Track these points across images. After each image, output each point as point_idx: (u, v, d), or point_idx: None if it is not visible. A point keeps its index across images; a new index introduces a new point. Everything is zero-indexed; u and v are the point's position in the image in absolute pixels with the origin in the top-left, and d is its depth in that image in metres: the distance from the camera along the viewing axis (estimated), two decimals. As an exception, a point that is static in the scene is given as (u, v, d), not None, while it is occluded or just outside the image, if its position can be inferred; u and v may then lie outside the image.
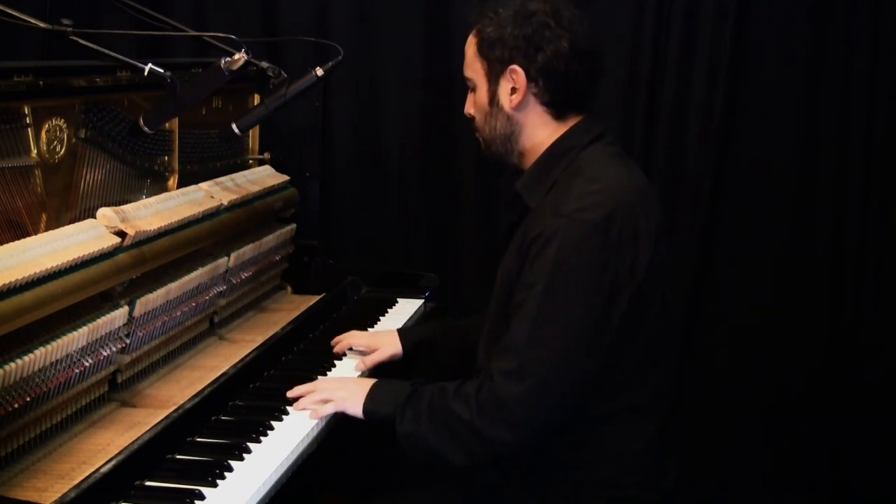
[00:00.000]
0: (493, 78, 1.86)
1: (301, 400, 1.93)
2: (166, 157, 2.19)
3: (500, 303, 1.85)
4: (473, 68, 1.89)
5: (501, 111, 1.87)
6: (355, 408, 1.87)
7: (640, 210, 1.77)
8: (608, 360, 1.75)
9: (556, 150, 1.85)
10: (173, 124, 2.19)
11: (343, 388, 1.93)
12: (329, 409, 1.89)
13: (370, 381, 1.91)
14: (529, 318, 1.72)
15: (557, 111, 1.86)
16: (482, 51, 1.86)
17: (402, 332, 2.29)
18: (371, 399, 1.86)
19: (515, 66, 1.82)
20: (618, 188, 1.78)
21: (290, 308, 2.55)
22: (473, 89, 1.92)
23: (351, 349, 2.27)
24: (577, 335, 1.71)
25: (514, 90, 1.84)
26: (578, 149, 1.84)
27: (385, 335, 2.29)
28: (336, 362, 2.22)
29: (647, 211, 1.79)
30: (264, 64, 2.28)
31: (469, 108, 1.95)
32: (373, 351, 2.24)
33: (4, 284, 1.50)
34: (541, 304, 1.71)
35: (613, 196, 1.75)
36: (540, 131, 1.87)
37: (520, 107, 1.85)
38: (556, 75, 1.82)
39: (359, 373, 2.18)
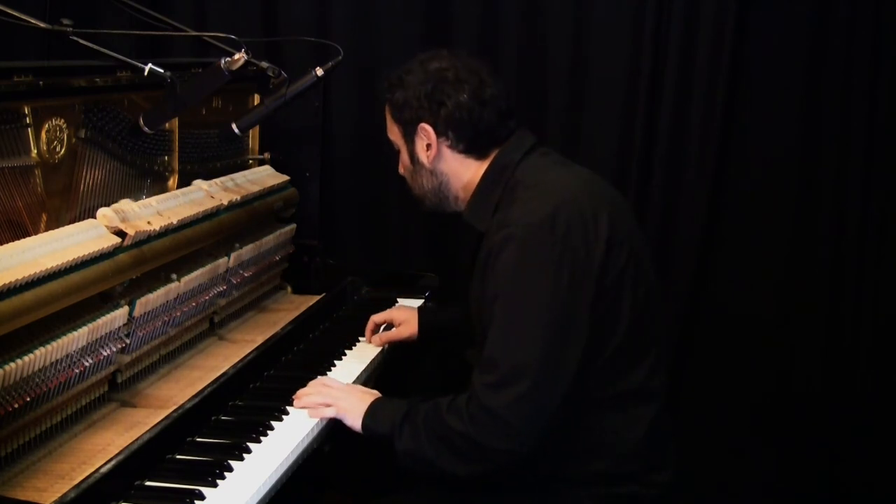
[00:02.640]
0: (409, 139, 1.97)
1: (304, 397, 1.94)
2: (166, 157, 2.19)
3: (479, 329, 1.88)
4: (393, 132, 2.01)
5: (423, 168, 1.97)
6: (354, 421, 1.90)
7: (585, 201, 1.81)
8: (593, 349, 1.76)
9: (491, 175, 1.93)
10: (173, 124, 2.19)
11: (347, 398, 1.94)
12: (328, 414, 1.91)
13: (372, 396, 1.94)
14: (499, 329, 1.76)
15: (477, 154, 1.94)
16: (394, 115, 1.99)
17: (421, 313, 2.37)
18: (370, 415, 1.88)
19: (423, 124, 1.92)
20: (557, 188, 1.84)
21: (290, 308, 2.55)
22: (398, 151, 2.02)
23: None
24: (548, 333, 1.73)
25: (428, 146, 1.94)
26: (513, 166, 1.91)
27: (405, 312, 2.39)
28: (336, 362, 2.22)
29: (592, 201, 1.82)
30: (264, 64, 2.28)
31: (400, 169, 2.05)
32: (391, 324, 2.36)
33: (4, 284, 1.50)
34: (506, 313, 1.75)
35: (553, 195, 1.80)
36: (467, 174, 1.95)
37: (437, 160, 1.95)
38: (462, 125, 1.91)
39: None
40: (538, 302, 1.73)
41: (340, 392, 1.97)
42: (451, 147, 1.93)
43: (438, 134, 1.92)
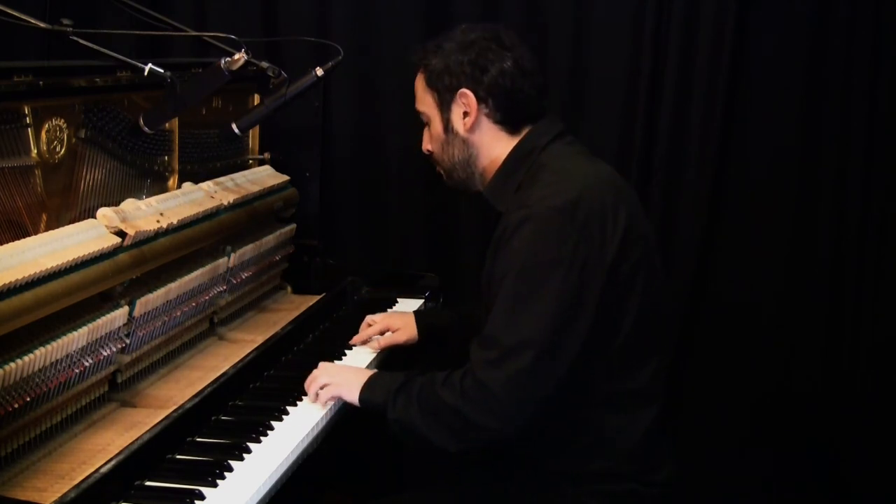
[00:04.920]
0: (445, 106, 1.94)
1: (308, 384, 1.95)
2: (166, 157, 2.19)
3: (486, 308, 1.87)
4: (425, 102, 1.97)
5: (457, 137, 1.94)
6: (351, 394, 1.90)
7: (607, 194, 1.82)
8: (595, 345, 1.77)
9: (517, 154, 1.92)
10: (173, 124, 2.19)
11: (341, 374, 1.97)
12: (326, 394, 1.92)
13: (368, 371, 1.95)
14: (505, 307, 1.76)
15: (511, 127, 1.93)
16: (431, 82, 1.94)
17: (419, 316, 2.35)
18: (367, 388, 1.89)
19: (464, 90, 1.90)
20: (581, 177, 1.83)
21: (290, 308, 2.55)
22: (428, 123, 1.99)
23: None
24: (553, 318, 1.73)
25: (466, 114, 1.92)
26: (539, 149, 1.90)
27: (402, 317, 2.36)
28: (336, 362, 2.22)
29: (614, 195, 1.83)
30: (264, 64, 2.27)
31: (426, 144, 2.03)
32: (389, 331, 2.32)
33: (4, 284, 1.49)
34: (515, 292, 1.75)
35: (577, 184, 1.80)
36: (497, 148, 1.93)
37: (474, 128, 1.92)
38: (503, 93, 1.89)
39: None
40: (548, 286, 1.73)
41: (334, 368, 2.00)
42: (488, 116, 1.91)
43: (479, 100, 1.90)
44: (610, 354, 1.80)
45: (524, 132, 1.92)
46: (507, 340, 1.73)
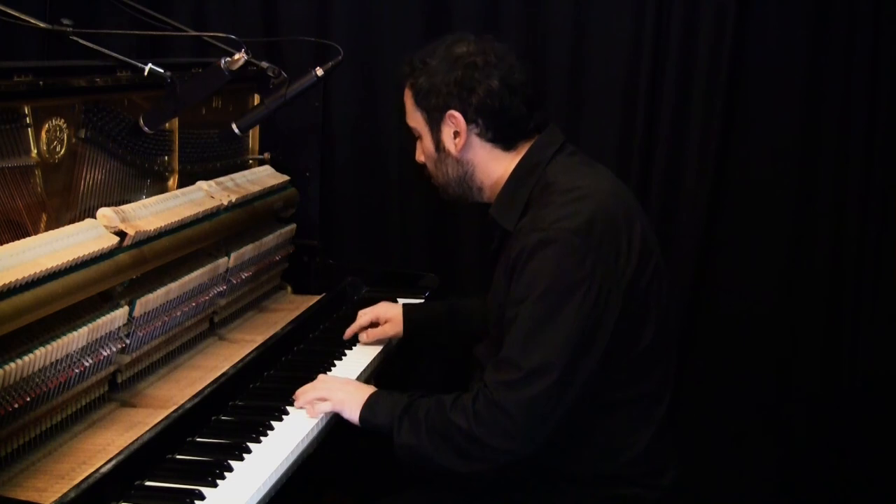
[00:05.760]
0: (435, 126, 1.91)
1: (300, 394, 1.94)
2: (166, 157, 2.19)
3: (497, 327, 1.86)
4: (415, 119, 1.95)
5: (449, 156, 1.92)
6: (351, 413, 1.88)
7: (617, 209, 1.80)
8: (618, 355, 1.76)
9: (521, 171, 1.89)
10: (173, 124, 2.19)
11: (343, 389, 1.93)
12: (325, 408, 1.90)
13: (370, 389, 1.93)
14: (524, 330, 1.74)
15: (504, 144, 1.90)
16: (419, 102, 1.91)
17: (407, 312, 2.34)
18: (368, 407, 1.87)
19: (453, 112, 1.87)
20: (592, 193, 1.81)
21: (290, 308, 2.55)
22: (419, 138, 1.97)
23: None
24: (573, 340, 1.71)
25: (456, 134, 1.89)
26: (543, 164, 1.88)
27: (392, 308, 2.35)
28: (336, 362, 2.22)
29: (623, 208, 1.82)
30: (264, 64, 2.28)
31: (419, 157, 2.01)
32: (378, 322, 2.33)
33: (4, 284, 1.50)
34: (534, 315, 1.73)
35: (590, 201, 1.79)
36: (494, 165, 1.92)
37: (466, 149, 1.90)
38: (493, 112, 1.87)
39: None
40: (567, 309, 1.71)
41: (335, 383, 1.97)
42: (479, 135, 1.89)
43: (468, 121, 1.87)
44: (626, 364, 1.80)
45: (524, 148, 1.90)
46: (526, 364, 1.72)
